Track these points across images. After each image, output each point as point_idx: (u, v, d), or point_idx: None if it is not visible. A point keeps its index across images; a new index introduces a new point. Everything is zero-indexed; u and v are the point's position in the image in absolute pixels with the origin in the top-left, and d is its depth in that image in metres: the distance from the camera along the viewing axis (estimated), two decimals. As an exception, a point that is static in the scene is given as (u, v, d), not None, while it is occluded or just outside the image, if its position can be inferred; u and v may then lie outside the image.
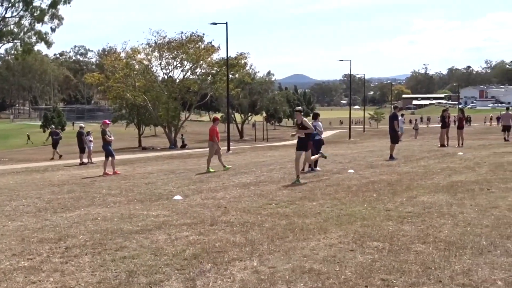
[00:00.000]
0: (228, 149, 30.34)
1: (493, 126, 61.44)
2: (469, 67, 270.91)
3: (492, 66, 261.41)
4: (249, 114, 62.14)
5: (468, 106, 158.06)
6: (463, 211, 7.93)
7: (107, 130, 18.07)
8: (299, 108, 14.43)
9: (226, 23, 31.54)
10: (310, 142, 13.70)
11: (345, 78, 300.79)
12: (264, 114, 73.72)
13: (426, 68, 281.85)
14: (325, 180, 12.73)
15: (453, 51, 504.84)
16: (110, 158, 18.00)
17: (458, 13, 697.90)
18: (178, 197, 10.71)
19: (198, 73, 50.21)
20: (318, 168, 15.41)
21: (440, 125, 25.78)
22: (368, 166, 15.95)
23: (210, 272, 5.28)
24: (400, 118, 23.32)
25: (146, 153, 36.94)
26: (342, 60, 58.47)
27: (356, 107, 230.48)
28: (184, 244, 6.44)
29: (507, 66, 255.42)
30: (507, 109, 32.78)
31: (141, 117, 56.08)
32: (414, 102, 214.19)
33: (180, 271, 5.35)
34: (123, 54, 50.42)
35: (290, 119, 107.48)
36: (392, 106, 23.05)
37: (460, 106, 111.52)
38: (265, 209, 8.89)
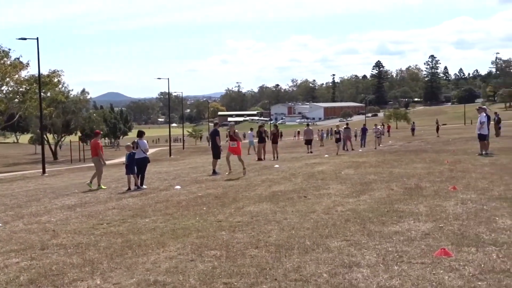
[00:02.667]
0: (44, 171, 28.64)
1: (301, 140, 66.75)
2: (277, 85, 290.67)
3: (298, 84, 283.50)
4: (63, 134, 59.20)
5: (279, 121, 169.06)
6: (287, 217, 8.73)
7: None
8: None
9: (37, 38, 29.93)
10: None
11: (162, 96, 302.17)
12: (79, 134, 70.77)
13: (239, 86, 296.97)
14: (153, 197, 12.87)
15: (263, 70, 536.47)
16: None
17: (265, 35, 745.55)
18: (-3, 224, 10.02)
19: (4, 91, 46.50)
20: (144, 186, 15.47)
21: (257, 140, 27.46)
22: (193, 181, 16.43)
23: (51, 295, 5.17)
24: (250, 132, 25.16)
25: None
26: (160, 78, 58.90)
27: (174, 124, 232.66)
28: (16, 271, 6.16)
29: (310, 85, 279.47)
30: (308, 125, 36.11)
31: None
32: (229, 119, 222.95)
33: (17, 297, 5.15)
34: None
35: (107, 138, 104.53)
36: (213, 123, 23.98)
37: (273, 122, 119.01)
38: (97, 229, 8.79)
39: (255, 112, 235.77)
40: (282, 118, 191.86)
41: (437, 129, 55.36)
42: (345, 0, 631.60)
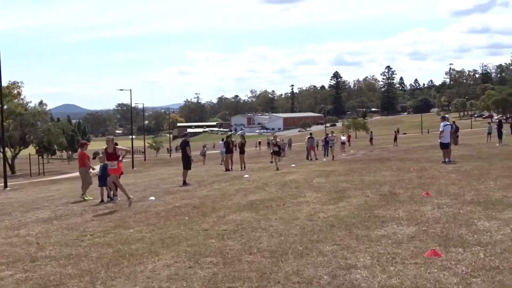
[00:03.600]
0: (5, 186, 27.96)
1: (263, 150, 67.19)
2: (237, 96, 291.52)
3: (257, 95, 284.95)
4: (20, 147, 57.80)
5: (238, 132, 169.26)
6: (272, 225, 8.93)
7: None
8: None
9: (-2, 49, 29.30)
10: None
11: (119, 108, 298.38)
12: (37, 147, 69.08)
13: (198, 97, 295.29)
14: (130, 209, 12.84)
15: (222, 81, 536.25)
16: None
17: (224, 46, 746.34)
18: (-27, 238, 9.85)
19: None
20: (118, 198, 15.39)
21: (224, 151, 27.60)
22: (166, 192, 16.44)
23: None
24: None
25: None
26: (122, 90, 58.61)
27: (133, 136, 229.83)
28: (14, 283, 6.14)
29: (270, 95, 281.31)
30: (275, 136, 36.54)
31: None
32: (189, 130, 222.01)
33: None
34: None
35: (64, 151, 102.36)
36: (183, 134, 23.96)
37: (239, 133, 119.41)
38: (82, 240, 8.77)
39: (214, 123, 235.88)
40: (241, 129, 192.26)
41: (395, 138, 56.71)
42: (302, 12, 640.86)
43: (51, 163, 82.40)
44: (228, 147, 26.64)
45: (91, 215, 12.17)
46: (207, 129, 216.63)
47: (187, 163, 19.44)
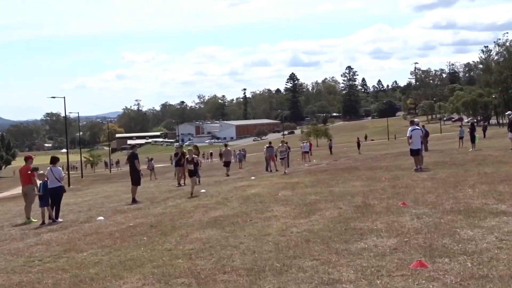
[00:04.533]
0: None
1: (215, 162, 67.42)
2: (183, 102, 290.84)
3: (205, 101, 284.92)
4: None
5: (186, 143, 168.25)
6: (242, 242, 9.19)
7: None
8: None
9: None
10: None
11: (48, 118, 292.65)
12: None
13: (138, 104, 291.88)
14: (77, 230, 12.87)
15: (165, 85, 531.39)
16: None
17: (166, 46, 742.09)
18: None
19: None
20: (60, 219, 15.34)
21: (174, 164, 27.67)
22: (115, 211, 16.49)
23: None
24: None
25: None
26: (54, 97, 57.42)
27: (64, 150, 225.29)
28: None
29: (220, 101, 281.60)
30: (225, 145, 36.88)
31: None
32: (129, 141, 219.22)
33: None
34: None
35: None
36: (130, 146, 23.88)
37: (187, 143, 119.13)
38: (31, 266, 8.82)
39: (158, 133, 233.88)
40: (189, 139, 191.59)
41: (358, 145, 57.75)
42: (252, 8, 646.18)
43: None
44: (179, 160, 26.71)
45: (34, 239, 12.14)
46: (150, 140, 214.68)
47: (136, 178, 19.48)
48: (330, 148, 61.25)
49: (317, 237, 8.92)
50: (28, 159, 17.17)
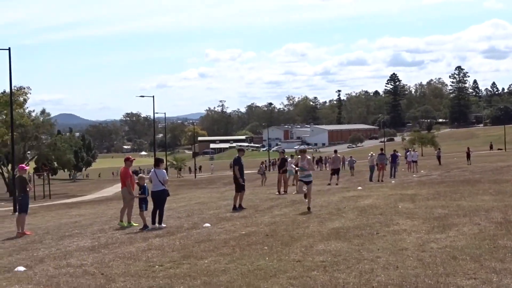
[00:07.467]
0: (15, 210, 28.83)
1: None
2: (270, 104, 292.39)
3: (295, 103, 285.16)
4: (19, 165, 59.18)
5: (273, 148, 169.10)
6: (378, 255, 9.23)
7: None
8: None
9: (9, 48, 30.13)
10: None
11: (128, 118, 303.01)
12: (36, 164, 70.62)
13: (222, 105, 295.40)
14: (187, 237, 13.28)
15: (251, 85, 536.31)
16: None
17: (253, 43, 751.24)
18: (21, 268, 10.47)
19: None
20: (163, 225, 15.87)
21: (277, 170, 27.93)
22: (219, 218, 16.87)
23: None
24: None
25: None
26: (143, 96, 59.55)
27: (143, 153, 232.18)
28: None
29: (311, 103, 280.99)
30: (335, 151, 36.97)
31: None
32: (212, 145, 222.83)
33: None
34: None
35: (67, 169, 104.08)
36: (237, 149, 24.10)
37: (279, 148, 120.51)
38: (153, 271, 9.22)
39: (243, 137, 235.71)
40: (277, 144, 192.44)
41: (468, 156, 56.03)
42: (349, 2, 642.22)
43: (52, 183, 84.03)
44: (282, 166, 26.93)
45: (144, 244, 12.63)
46: (234, 144, 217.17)
47: (237, 185, 19.78)
48: (439, 158, 59.53)
49: (464, 254, 8.83)
50: (127, 160, 17.81)
